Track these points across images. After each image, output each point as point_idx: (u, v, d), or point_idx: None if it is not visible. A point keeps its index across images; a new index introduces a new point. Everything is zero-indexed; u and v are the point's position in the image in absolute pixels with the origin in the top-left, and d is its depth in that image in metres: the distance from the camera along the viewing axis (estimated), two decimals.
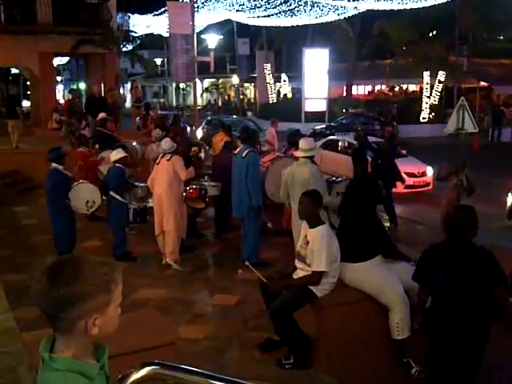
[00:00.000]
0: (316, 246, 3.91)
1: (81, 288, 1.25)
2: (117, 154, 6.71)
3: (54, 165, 6.40)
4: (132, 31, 19.96)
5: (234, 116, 25.65)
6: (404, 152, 12.93)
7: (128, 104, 29.14)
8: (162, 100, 44.59)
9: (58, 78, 34.75)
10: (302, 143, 5.97)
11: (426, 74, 24.89)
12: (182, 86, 40.46)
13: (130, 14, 20.00)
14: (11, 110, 12.70)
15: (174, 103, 43.04)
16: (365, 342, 4.02)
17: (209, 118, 19.98)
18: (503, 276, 3.31)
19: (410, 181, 11.44)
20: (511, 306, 3.59)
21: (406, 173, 11.39)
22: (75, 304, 1.25)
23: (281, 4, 23.50)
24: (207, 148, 9.65)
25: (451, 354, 3.40)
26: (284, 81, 35.04)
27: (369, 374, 4.05)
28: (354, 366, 4.00)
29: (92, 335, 1.31)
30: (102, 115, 10.66)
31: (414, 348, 4.00)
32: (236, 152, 6.63)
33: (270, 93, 33.06)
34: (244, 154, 6.21)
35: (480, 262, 3.30)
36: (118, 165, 6.64)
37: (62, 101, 28.91)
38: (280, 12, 24.56)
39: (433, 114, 24.94)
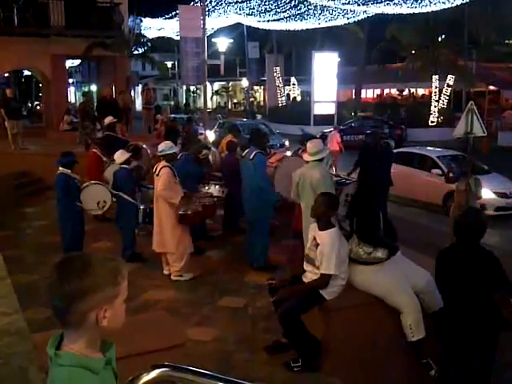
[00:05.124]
0: (326, 249, 3.91)
1: (91, 280, 1.29)
2: (121, 157, 6.66)
3: (61, 169, 6.31)
4: (143, 35, 20.11)
5: (245, 119, 25.69)
6: (485, 167, 10.71)
7: (138, 106, 29.28)
8: (172, 102, 44.78)
9: (70, 80, 35.06)
10: (309, 146, 5.82)
11: (435, 78, 24.82)
12: (192, 88, 40.61)
13: (141, 18, 20.16)
14: (11, 111, 12.65)
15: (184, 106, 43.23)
16: (374, 345, 4.00)
17: (221, 121, 19.97)
18: (507, 281, 3.28)
19: (501, 202, 9.84)
20: None
21: (495, 192, 9.81)
22: (86, 296, 1.28)
23: (291, 8, 23.58)
24: (214, 150, 9.66)
25: (461, 358, 3.37)
26: (293, 84, 35.06)
27: (378, 377, 4.04)
28: (363, 369, 3.99)
29: (102, 327, 1.34)
30: (108, 119, 10.55)
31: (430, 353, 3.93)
32: (243, 154, 6.64)
33: (279, 96, 33.10)
34: (251, 156, 6.23)
35: (485, 265, 3.30)
36: (123, 166, 6.61)
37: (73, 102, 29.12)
38: (290, 16, 24.63)
39: (441, 117, 24.83)
